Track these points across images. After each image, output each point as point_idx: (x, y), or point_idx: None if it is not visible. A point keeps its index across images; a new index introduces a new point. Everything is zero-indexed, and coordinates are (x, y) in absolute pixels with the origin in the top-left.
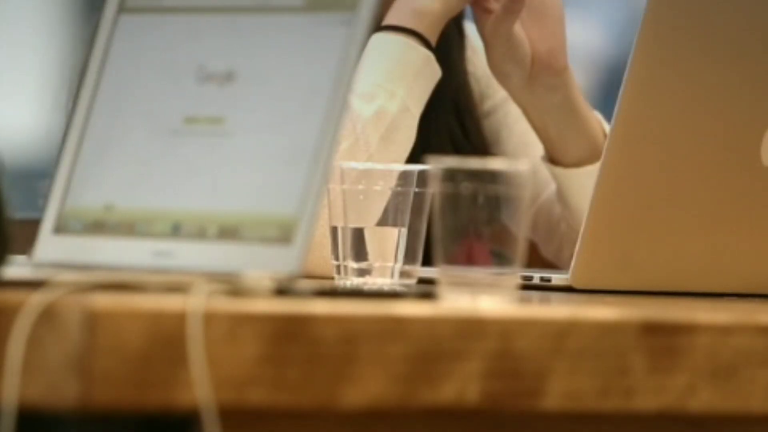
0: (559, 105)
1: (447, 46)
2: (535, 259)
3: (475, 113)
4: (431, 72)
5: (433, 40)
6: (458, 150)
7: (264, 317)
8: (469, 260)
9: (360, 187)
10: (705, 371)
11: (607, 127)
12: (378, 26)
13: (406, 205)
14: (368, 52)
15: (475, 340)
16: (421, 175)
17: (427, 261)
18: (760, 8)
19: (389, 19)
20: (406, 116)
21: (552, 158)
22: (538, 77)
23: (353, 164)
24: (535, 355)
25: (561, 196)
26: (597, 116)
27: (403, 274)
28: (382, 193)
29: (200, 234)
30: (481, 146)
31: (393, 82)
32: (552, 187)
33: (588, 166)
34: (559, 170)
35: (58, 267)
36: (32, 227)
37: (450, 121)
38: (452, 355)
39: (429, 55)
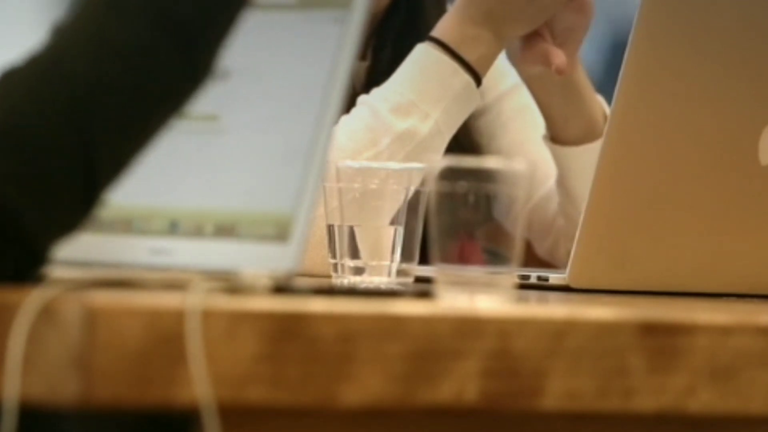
0: (564, 86)
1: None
2: (531, 257)
3: None
4: (471, 98)
5: (483, 73)
6: (447, 151)
7: (262, 315)
8: (466, 259)
9: (356, 185)
10: (704, 372)
11: (608, 110)
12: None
13: (402, 204)
14: (412, 63)
15: (473, 340)
16: (418, 173)
17: (424, 260)
18: (757, 6)
19: (446, 33)
20: (437, 139)
21: (553, 137)
22: (553, 72)
23: (349, 162)
24: (534, 355)
25: (560, 179)
26: (599, 99)
27: (400, 273)
28: (388, 192)
29: (197, 232)
30: (470, 148)
31: (429, 104)
32: (547, 185)
33: (585, 145)
34: (558, 148)
35: (56, 264)
36: None
37: None
38: (450, 354)
39: (470, 82)
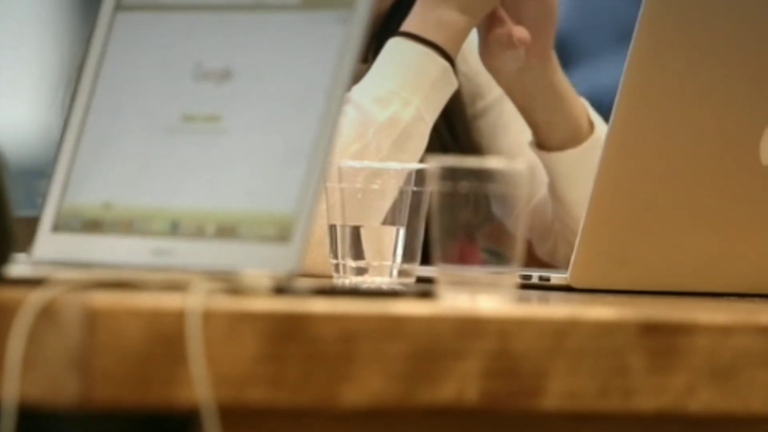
0: (544, 89)
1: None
2: (531, 259)
3: (464, 115)
4: (448, 83)
5: (455, 52)
6: (446, 152)
7: (263, 316)
8: (467, 259)
9: (358, 185)
10: (705, 371)
11: (591, 113)
12: (397, 28)
13: (404, 204)
14: (385, 57)
15: (473, 340)
16: (420, 174)
17: (425, 260)
18: (759, 7)
19: (411, 25)
20: (420, 125)
21: (538, 143)
22: (527, 67)
23: (352, 163)
24: (534, 355)
25: (550, 185)
26: (582, 101)
27: (402, 273)
28: (389, 192)
29: (199, 232)
30: (469, 148)
31: (409, 91)
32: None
33: (570, 149)
34: (545, 154)
35: (57, 265)
36: (31, 225)
37: (438, 123)
38: (451, 354)
39: (447, 67)
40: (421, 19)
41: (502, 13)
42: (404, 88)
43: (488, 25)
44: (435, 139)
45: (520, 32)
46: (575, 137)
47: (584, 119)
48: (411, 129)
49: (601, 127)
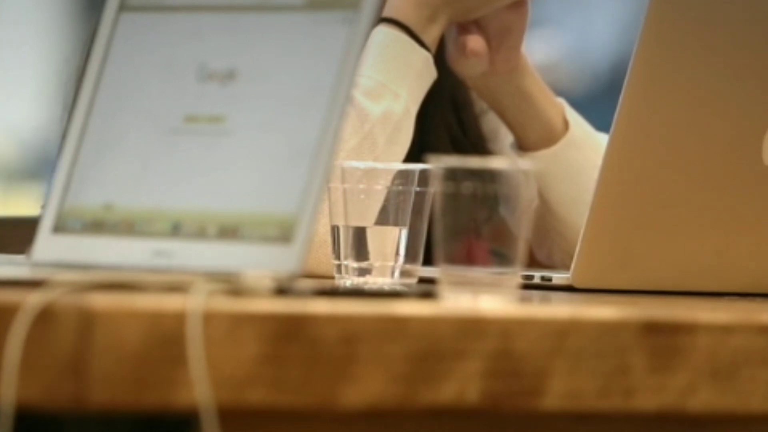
0: (511, 93)
1: (445, 43)
2: (531, 261)
3: (473, 109)
4: (429, 74)
5: (434, 51)
6: (456, 146)
7: (264, 317)
8: (470, 260)
9: (361, 186)
10: (705, 371)
11: (569, 113)
12: (380, 17)
13: (407, 205)
14: (371, 46)
15: (475, 340)
16: (422, 174)
17: (428, 260)
18: (762, 8)
19: (399, 11)
20: (407, 118)
21: (516, 144)
22: (492, 73)
23: (355, 163)
24: (536, 355)
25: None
26: (558, 102)
27: (404, 274)
28: (379, 191)
29: (200, 233)
30: (479, 142)
31: (397, 83)
32: None
33: (544, 150)
34: (521, 155)
35: (57, 267)
36: (31, 226)
37: (448, 118)
38: (452, 354)
39: (428, 57)
40: (414, 14)
41: (470, 25)
42: (392, 80)
43: (455, 30)
44: (445, 134)
45: (474, 43)
46: (549, 138)
47: (558, 120)
48: (401, 122)
49: (577, 127)
